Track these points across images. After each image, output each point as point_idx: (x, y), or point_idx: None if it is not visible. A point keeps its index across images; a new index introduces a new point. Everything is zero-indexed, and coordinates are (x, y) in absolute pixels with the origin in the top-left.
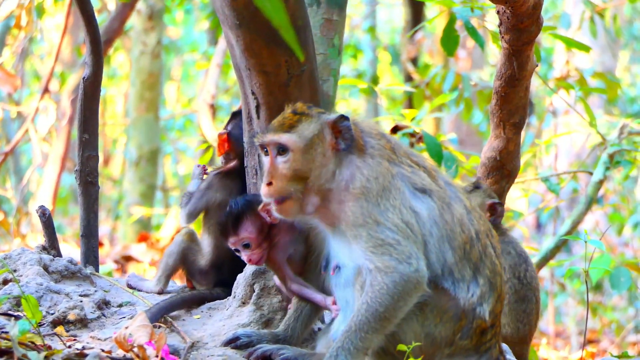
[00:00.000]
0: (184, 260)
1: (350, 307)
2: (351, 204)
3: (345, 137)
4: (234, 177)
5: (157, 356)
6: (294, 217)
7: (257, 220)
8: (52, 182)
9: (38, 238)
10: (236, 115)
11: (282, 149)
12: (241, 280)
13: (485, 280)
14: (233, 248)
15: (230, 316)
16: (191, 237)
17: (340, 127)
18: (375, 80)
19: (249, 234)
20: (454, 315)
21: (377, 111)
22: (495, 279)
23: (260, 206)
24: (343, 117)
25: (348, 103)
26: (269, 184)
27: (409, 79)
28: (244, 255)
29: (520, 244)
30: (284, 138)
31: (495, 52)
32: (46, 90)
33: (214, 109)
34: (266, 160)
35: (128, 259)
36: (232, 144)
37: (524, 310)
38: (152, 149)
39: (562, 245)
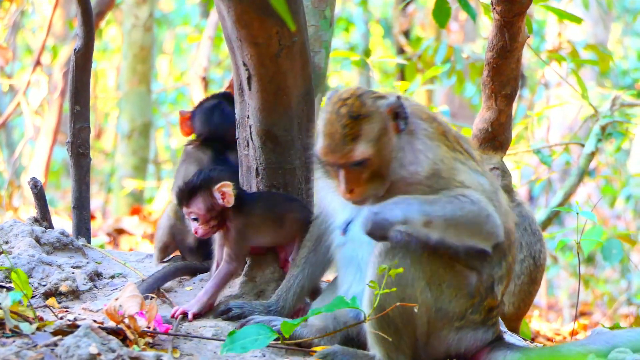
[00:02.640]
0: (174, 237)
1: (362, 269)
2: (421, 187)
3: (403, 117)
4: (206, 148)
5: (148, 327)
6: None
7: (209, 199)
8: (44, 155)
9: (30, 211)
10: (207, 100)
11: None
12: None
13: (507, 265)
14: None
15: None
16: (177, 214)
17: (398, 109)
18: (367, 53)
19: (198, 209)
20: (468, 293)
21: (369, 84)
22: (513, 266)
23: (217, 186)
24: (399, 98)
25: (340, 75)
26: (351, 191)
27: (401, 51)
28: (192, 226)
29: (535, 219)
30: (358, 154)
31: (487, 25)
32: (38, 63)
33: (206, 81)
34: (333, 170)
35: (120, 231)
36: (194, 124)
37: (529, 292)
38: (144, 122)
39: (554, 217)
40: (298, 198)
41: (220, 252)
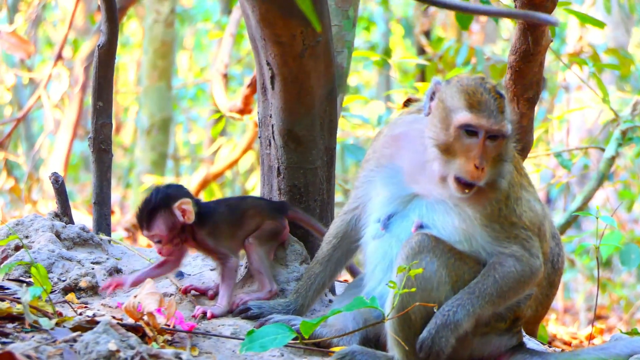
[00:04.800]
0: None
1: (395, 267)
2: (494, 197)
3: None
4: None
5: (167, 324)
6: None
7: (170, 218)
8: (63, 149)
9: (49, 204)
10: None
11: (495, 135)
12: None
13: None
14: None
15: (242, 286)
16: None
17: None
18: (387, 52)
19: (160, 231)
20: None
21: (389, 84)
22: (543, 283)
23: (177, 204)
24: None
25: (360, 75)
26: (482, 168)
27: (421, 52)
28: (155, 247)
29: (553, 223)
30: (507, 127)
31: (508, 26)
32: (59, 57)
33: (226, 78)
34: (469, 140)
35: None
36: None
37: (547, 295)
38: (164, 118)
39: (572, 222)
40: (249, 196)
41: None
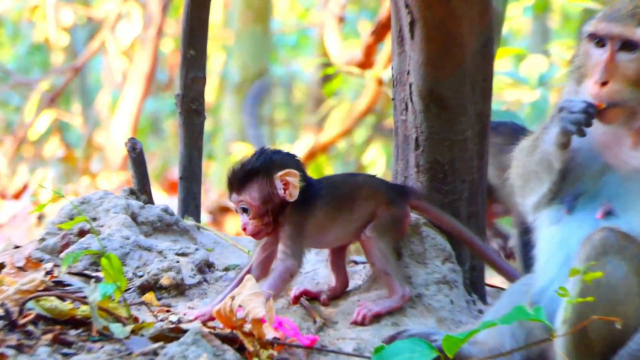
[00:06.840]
0: None
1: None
2: None
3: None
4: None
5: (277, 337)
6: (616, 124)
7: (267, 188)
8: (132, 108)
9: (112, 178)
10: None
11: (629, 45)
12: None
13: None
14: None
15: (367, 289)
16: None
17: None
18: None
19: (251, 199)
20: None
21: (546, 34)
22: None
23: (280, 173)
24: None
25: (508, 22)
26: (604, 83)
27: None
28: (241, 219)
29: None
30: (638, 33)
31: None
32: None
33: (342, 22)
34: (597, 52)
35: (225, 210)
36: None
37: None
38: (259, 71)
39: None
40: (360, 173)
41: (264, 253)
